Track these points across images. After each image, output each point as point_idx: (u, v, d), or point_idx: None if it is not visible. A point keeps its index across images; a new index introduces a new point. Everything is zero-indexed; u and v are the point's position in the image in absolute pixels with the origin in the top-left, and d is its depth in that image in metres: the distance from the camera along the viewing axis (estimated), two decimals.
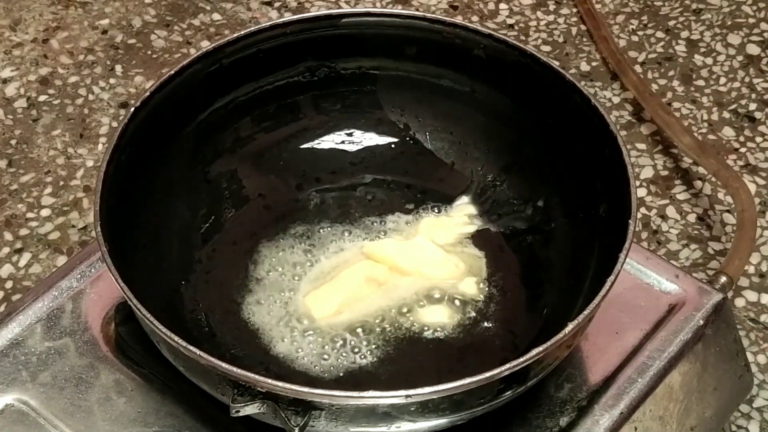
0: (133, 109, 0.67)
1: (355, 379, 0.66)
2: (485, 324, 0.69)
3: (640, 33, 1.15)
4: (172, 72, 0.70)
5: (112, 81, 1.09)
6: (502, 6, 1.18)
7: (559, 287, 0.70)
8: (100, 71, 1.10)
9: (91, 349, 0.69)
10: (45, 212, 0.97)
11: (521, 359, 0.57)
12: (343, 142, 0.79)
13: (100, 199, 0.62)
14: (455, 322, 0.69)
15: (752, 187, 0.98)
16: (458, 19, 0.75)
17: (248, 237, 0.74)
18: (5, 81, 1.09)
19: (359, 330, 0.68)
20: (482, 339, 0.69)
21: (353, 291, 0.70)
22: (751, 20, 1.16)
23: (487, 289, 0.71)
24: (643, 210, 0.98)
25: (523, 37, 1.14)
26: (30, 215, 0.97)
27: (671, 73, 1.11)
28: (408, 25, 0.74)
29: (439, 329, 0.69)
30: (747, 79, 1.10)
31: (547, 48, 1.13)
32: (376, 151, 0.79)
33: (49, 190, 0.99)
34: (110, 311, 0.71)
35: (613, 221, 0.64)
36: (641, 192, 0.99)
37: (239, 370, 0.56)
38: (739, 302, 0.91)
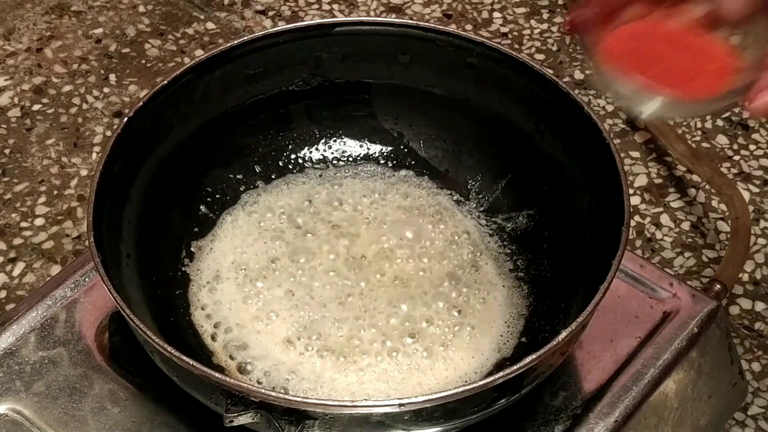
0: (126, 118, 0.67)
1: (353, 394, 0.66)
2: (479, 331, 0.69)
3: None
4: (166, 81, 0.70)
5: (106, 90, 1.09)
6: (496, 15, 1.18)
7: (552, 294, 0.70)
8: (94, 80, 1.10)
9: (85, 358, 0.69)
10: (39, 221, 0.97)
11: (515, 367, 0.57)
12: (336, 150, 0.79)
13: (93, 209, 0.62)
14: (449, 329, 0.69)
15: (746, 195, 0.98)
16: (452, 28, 0.75)
17: (243, 246, 0.74)
18: None
19: (359, 341, 0.68)
20: (476, 346, 0.68)
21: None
22: None
23: (480, 296, 0.71)
24: (637, 218, 0.98)
25: (516, 46, 1.14)
26: (24, 224, 0.97)
27: None
28: (401, 33, 0.74)
29: (432, 337, 0.69)
30: None
31: (540, 56, 1.13)
32: (370, 159, 0.79)
33: (43, 199, 0.99)
34: (104, 321, 0.71)
35: (607, 229, 0.64)
36: (635, 200, 0.99)
37: (232, 380, 0.56)
38: (734, 310, 0.91)
